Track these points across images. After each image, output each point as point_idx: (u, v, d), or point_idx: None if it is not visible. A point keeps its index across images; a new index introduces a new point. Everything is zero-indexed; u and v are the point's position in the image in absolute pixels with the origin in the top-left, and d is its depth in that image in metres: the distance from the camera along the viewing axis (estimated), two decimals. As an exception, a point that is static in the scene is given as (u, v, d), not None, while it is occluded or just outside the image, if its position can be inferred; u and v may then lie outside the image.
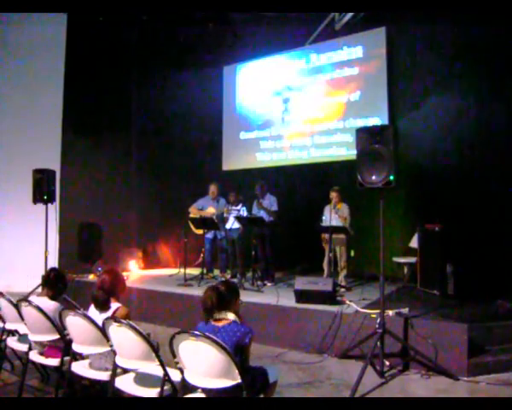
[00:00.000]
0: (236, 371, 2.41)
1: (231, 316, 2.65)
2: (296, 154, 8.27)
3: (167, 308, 5.91)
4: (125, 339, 2.77)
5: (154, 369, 2.73)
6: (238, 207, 6.89)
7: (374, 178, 4.04)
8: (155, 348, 2.71)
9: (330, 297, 4.98)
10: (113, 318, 2.89)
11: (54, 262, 7.09)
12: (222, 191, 7.35)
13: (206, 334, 2.44)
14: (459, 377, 3.94)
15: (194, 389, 2.63)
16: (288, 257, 7.67)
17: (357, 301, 5.07)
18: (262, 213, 6.61)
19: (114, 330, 2.82)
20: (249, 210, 6.90)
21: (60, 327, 3.23)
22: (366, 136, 4.18)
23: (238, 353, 2.55)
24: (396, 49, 7.23)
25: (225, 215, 6.97)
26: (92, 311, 3.16)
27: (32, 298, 3.45)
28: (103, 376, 3.00)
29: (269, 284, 6.44)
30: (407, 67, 7.11)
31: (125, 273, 6.31)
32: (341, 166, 7.51)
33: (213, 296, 2.64)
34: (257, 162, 8.70)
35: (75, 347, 3.11)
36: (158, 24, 8.07)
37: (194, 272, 7.10)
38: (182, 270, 6.92)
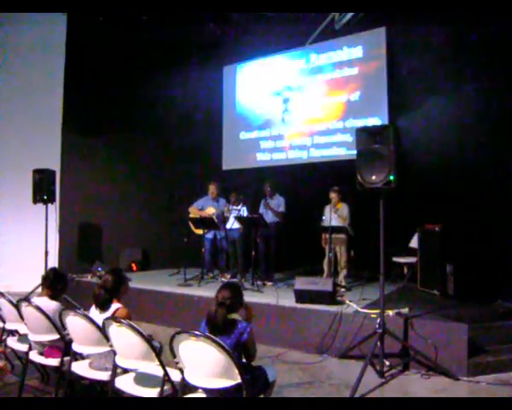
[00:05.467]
0: (236, 371, 2.41)
1: (232, 316, 2.66)
2: (296, 154, 8.26)
3: (167, 308, 5.91)
4: (125, 339, 2.76)
5: (154, 369, 2.72)
6: (238, 207, 6.88)
7: (374, 178, 4.04)
8: (158, 350, 2.70)
9: (330, 297, 4.98)
10: (113, 318, 2.89)
11: (54, 262, 7.09)
12: (222, 191, 7.35)
13: (206, 334, 2.45)
14: (459, 377, 3.94)
15: (194, 389, 2.63)
16: (288, 257, 7.65)
17: (357, 301, 5.08)
18: (269, 214, 6.59)
19: (114, 331, 2.82)
20: (255, 210, 6.88)
21: (60, 327, 3.23)
22: (366, 136, 4.18)
23: (238, 350, 2.55)
24: (396, 50, 7.22)
25: (226, 215, 6.98)
26: (93, 311, 3.16)
27: (32, 298, 3.45)
28: (103, 376, 3.00)
29: (269, 284, 6.44)
30: (407, 67, 7.10)
31: (126, 274, 6.30)
32: (341, 167, 7.50)
33: (222, 315, 2.60)
34: (257, 162, 8.69)
35: (75, 347, 3.11)
36: (158, 24, 8.07)
37: (194, 272, 7.10)
38: (182, 270, 6.91)
